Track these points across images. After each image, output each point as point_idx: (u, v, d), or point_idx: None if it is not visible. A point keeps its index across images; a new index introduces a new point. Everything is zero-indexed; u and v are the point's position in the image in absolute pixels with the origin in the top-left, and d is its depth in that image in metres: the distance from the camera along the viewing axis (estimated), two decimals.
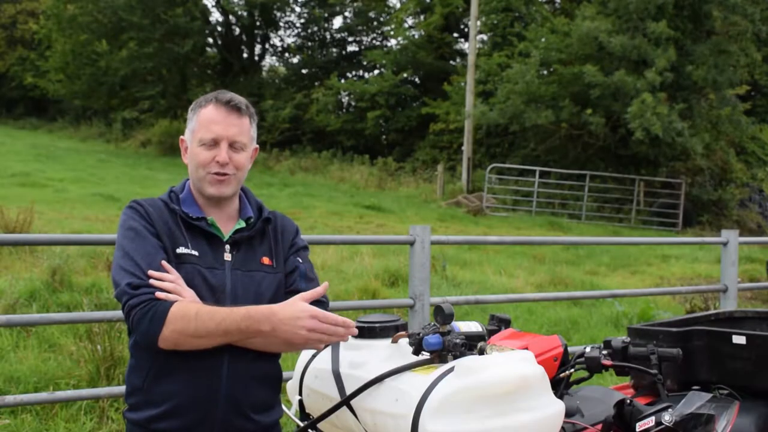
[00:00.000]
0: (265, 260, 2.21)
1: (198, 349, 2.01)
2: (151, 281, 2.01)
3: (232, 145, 2.16)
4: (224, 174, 2.15)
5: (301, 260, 2.28)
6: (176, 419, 2.06)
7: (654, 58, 19.25)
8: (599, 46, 19.95)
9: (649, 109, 18.53)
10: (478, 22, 24.75)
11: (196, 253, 2.12)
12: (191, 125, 2.20)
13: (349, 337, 2.28)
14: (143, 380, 2.09)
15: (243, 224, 2.22)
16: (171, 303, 1.99)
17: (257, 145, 2.30)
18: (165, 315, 1.97)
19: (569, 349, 2.50)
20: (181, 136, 2.26)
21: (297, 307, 1.97)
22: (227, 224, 2.21)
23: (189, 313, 1.97)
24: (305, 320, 1.94)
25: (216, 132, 2.15)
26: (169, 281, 2.03)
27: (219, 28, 33.32)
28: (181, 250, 2.11)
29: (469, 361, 1.95)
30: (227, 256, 2.16)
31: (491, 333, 2.49)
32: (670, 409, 2.19)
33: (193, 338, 1.98)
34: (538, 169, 21.15)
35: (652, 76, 18.91)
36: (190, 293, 2.05)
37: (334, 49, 34.23)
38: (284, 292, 2.19)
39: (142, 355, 2.09)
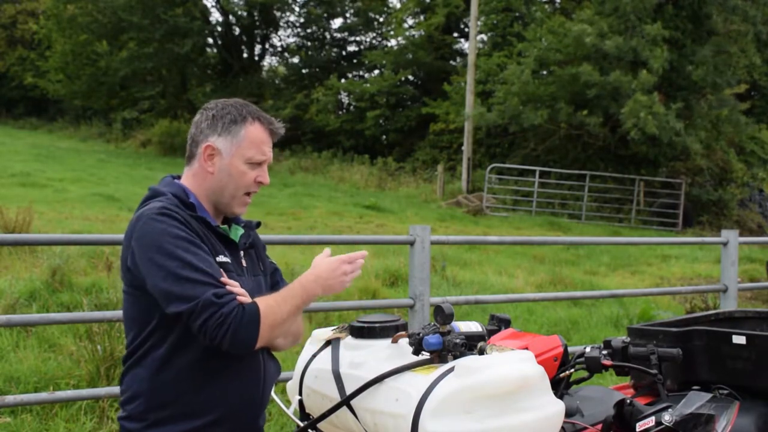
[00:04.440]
0: (260, 264, 2.32)
1: (276, 338, 2.09)
2: (228, 287, 2.01)
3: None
4: (251, 194, 2.24)
5: (273, 261, 2.40)
6: (218, 427, 2.06)
7: (649, 59, 19.26)
8: (595, 47, 19.96)
9: (643, 109, 18.53)
10: (478, 22, 24.75)
11: (229, 261, 2.15)
12: (235, 139, 2.14)
13: (349, 336, 2.31)
14: (180, 393, 2.04)
15: (242, 230, 2.27)
16: (254, 303, 2.02)
17: None
18: (258, 315, 1.99)
19: (569, 349, 2.50)
20: (208, 143, 2.16)
21: (329, 261, 2.15)
22: None
23: (271, 305, 2.04)
24: (341, 267, 2.13)
25: (266, 154, 2.20)
26: (238, 286, 2.06)
27: (219, 28, 33.31)
28: (220, 258, 2.12)
29: (469, 361, 1.95)
30: (244, 262, 2.23)
31: (491, 333, 2.48)
32: (670, 409, 2.19)
33: (279, 326, 2.06)
34: (538, 169, 21.15)
35: (646, 76, 18.92)
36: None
37: (334, 49, 34.23)
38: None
39: (180, 368, 2.04)
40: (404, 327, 2.26)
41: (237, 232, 2.25)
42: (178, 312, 1.96)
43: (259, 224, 2.35)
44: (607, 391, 2.54)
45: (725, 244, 6.79)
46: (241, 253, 2.22)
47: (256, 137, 2.16)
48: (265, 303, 2.02)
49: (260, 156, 2.16)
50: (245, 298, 2.02)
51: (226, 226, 2.21)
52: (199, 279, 1.96)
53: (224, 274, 2.05)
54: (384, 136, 29.50)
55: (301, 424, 2.28)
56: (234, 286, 2.03)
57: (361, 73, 33.40)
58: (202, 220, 2.12)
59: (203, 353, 2.03)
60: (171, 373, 2.04)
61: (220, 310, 1.94)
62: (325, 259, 2.14)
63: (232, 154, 2.14)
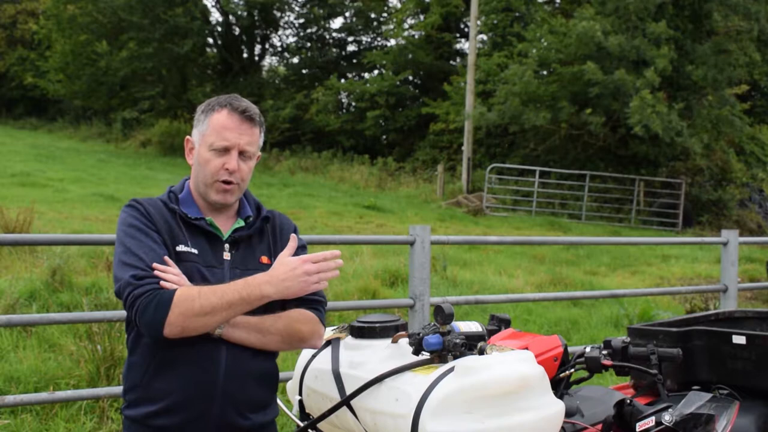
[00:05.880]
0: (264, 259, 2.23)
1: (205, 330, 2.03)
2: (156, 272, 2.03)
3: (242, 154, 2.18)
4: (230, 183, 2.17)
5: None
6: (173, 416, 2.08)
7: (653, 58, 19.24)
8: (598, 46, 19.94)
9: (648, 107, 18.52)
10: (478, 22, 24.75)
11: (195, 251, 2.14)
12: (201, 128, 2.20)
13: (349, 336, 2.29)
14: (141, 376, 2.11)
15: (242, 223, 2.25)
16: (175, 290, 2.01)
17: (260, 153, 2.31)
18: (170, 300, 1.98)
19: (569, 349, 2.50)
20: (188, 136, 2.26)
21: (288, 261, 2.08)
22: (226, 224, 2.24)
23: (192, 294, 2.00)
24: (302, 267, 2.06)
25: (229, 139, 2.15)
26: (173, 274, 2.05)
27: (219, 28, 33.30)
28: (180, 248, 2.13)
29: (469, 361, 1.95)
30: (226, 255, 2.18)
31: (491, 333, 2.48)
32: (670, 409, 2.19)
33: (198, 317, 1.99)
34: (538, 169, 21.15)
35: (651, 75, 18.90)
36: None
37: (334, 49, 34.23)
38: None
39: (142, 352, 2.11)
40: (404, 327, 2.26)
41: (235, 225, 2.24)
42: (116, 292, 2.08)
43: (267, 219, 2.29)
44: (607, 391, 2.54)
45: (725, 244, 6.79)
46: (226, 246, 2.19)
47: (218, 123, 2.16)
48: (185, 291, 2.00)
49: (221, 141, 2.14)
50: (171, 284, 2.02)
51: (210, 218, 2.19)
52: (129, 262, 2.04)
53: (169, 262, 2.06)
54: (384, 136, 29.49)
55: (301, 424, 2.28)
56: (170, 273, 2.04)
57: (361, 73, 33.40)
58: (173, 211, 2.17)
59: (156, 340, 2.06)
60: (135, 358, 2.14)
61: (134, 291, 2.01)
62: (285, 258, 2.09)
63: (200, 143, 2.20)
